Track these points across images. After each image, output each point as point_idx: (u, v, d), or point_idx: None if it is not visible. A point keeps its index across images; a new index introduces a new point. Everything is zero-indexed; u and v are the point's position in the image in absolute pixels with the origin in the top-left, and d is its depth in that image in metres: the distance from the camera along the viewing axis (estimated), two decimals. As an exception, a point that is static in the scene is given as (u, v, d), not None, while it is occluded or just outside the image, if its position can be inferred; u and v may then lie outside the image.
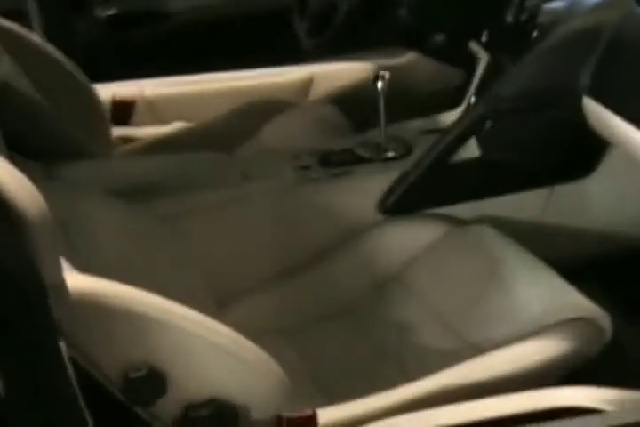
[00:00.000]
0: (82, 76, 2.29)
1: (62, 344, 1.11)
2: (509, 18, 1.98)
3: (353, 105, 2.36)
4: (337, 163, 1.97)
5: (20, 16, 3.38)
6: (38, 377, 1.06)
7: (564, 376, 1.61)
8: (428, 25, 2.15)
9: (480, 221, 1.88)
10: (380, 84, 1.91)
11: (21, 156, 1.88)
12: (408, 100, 2.54)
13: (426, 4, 2.10)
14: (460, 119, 1.88)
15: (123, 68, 3.07)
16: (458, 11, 2.09)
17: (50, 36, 3.37)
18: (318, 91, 2.68)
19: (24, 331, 1.03)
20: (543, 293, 1.66)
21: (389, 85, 2.42)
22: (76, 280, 1.18)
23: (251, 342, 1.29)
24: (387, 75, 1.92)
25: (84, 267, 1.34)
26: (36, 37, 2.21)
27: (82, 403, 1.13)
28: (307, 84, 2.69)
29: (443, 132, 1.91)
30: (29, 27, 3.36)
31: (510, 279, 1.69)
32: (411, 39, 2.28)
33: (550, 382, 1.58)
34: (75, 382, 1.12)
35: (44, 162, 1.91)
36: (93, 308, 1.18)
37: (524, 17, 1.94)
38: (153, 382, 1.25)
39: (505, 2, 1.99)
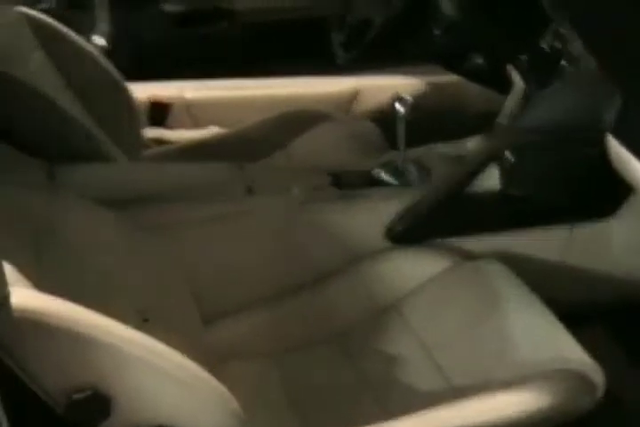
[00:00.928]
0: (118, 76, 2.27)
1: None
2: (544, 44, 1.89)
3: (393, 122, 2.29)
4: (350, 184, 1.91)
5: (85, 8, 3.40)
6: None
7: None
8: (462, 46, 2.08)
9: (491, 256, 1.80)
10: (399, 107, 1.84)
11: (33, 154, 1.87)
12: (455, 119, 2.47)
13: (460, 25, 2.02)
14: (479, 149, 1.80)
15: (180, 65, 3.07)
16: (493, 33, 2.01)
17: (114, 29, 3.38)
18: (362, 104, 2.63)
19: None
20: (537, 341, 1.58)
21: (437, 103, 2.36)
22: (21, 296, 1.15)
23: (200, 369, 1.26)
24: (408, 98, 1.84)
25: (54, 281, 1.32)
26: (72, 33, 2.19)
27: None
28: (351, 96, 2.64)
29: (460, 160, 1.84)
30: (93, 19, 3.37)
31: (506, 323, 1.62)
32: (447, 59, 2.21)
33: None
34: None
35: (55, 162, 1.89)
36: (36, 326, 1.15)
37: (556, 44, 1.85)
38: (97, 404, 1.23)
39: (543, 26, 1.91)
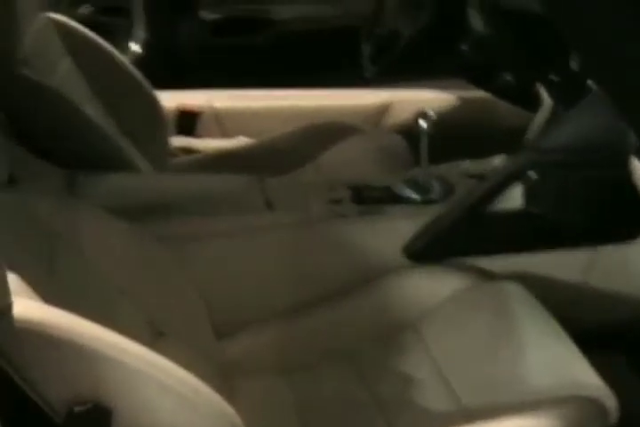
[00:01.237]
0: (146, 84, 2.28)
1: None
2: (573, 63, 1.87)
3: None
4: (371, 199, 1.89)
5: (122, 14, 3.42)
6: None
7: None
8: (490, 62, 2.06)
9: (511, 276, 1.78)
10: (422, 123, 1.82)
11: (54, 161, 1.88)
12: (485, 135, 2.45)
13: (489, 41, 2.00)
14: (502, 167, 1.78)
15: (213, 74, 3.07)
16: (521, 51, 1.99)
17: (150, 36, 3.40)
18: (391, 118, 2.61)
19: None
20: (551, 366, 1.56)
21: (467, 118, 2.33)
22: (24, 307, 1.14)
23: (201, 384, 1.24)
24: (432, 114, 1.83)
25: (65, 291, 1.32)
26: (101, 40, 2.19)
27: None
28: (381, 109, 2.63)
29: (483, 178, 1.82)
30: (130, 24, 3.39)
31: (521, 347, 1.59)
32: (474, 75, 2.18)
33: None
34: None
35: (77, 170, 1.89)
36: (39, 337, 1.15)
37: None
38: (97, 416, 1.22)
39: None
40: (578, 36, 1.25)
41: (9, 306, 1.12)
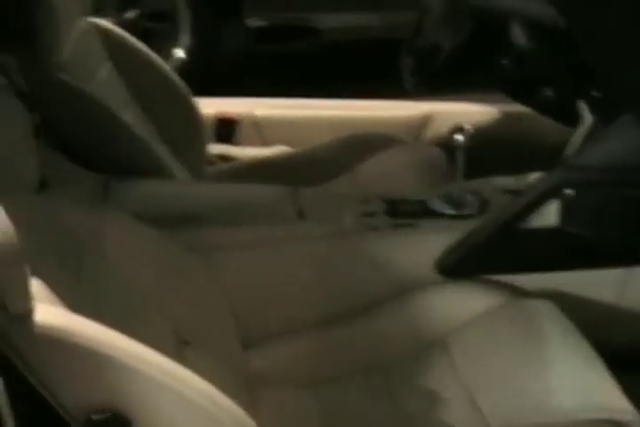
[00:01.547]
0: (186, 90, 2.28)
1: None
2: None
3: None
4: (404, 213, 1.88)
5: (168, 20, 3.44)
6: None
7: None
8: (530, 77, 2.03)
9: (544, 294, 1.75)
10: (458, 138, 1.80)
11: (89, 166, 1.88)
12: (527, 150, 2.42)
13: (530, 56, 1.98)
14: (538, 184, 1.76)
15: (259, 80, 3.07)
16: (563, 66, 1.96)
17: (195, 42, 3.41)
18: (432, 130, 2.59)
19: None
20: (579, 388, 1.53)
21: (509, 132, 2.31)
22: (46, 313, 1.14)
23: (225, 398, 1.23)
24: (469, 128, 1.81)
25: (91, 297, 1.32)
26: (142, 46, 2.20)
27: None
28: (422, 121, 2.61)
29: (519, 194, 1.80)
30: (176, 29, 3.40)
31: (550, 367, 1.57)
32: (514, 89, 2.16)
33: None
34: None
35: (111, 175, 1.90)
36: (59, 343, 1.15)
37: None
38: (116, 425, 1.21)
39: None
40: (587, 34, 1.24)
41: (30, 311, 1.13)
